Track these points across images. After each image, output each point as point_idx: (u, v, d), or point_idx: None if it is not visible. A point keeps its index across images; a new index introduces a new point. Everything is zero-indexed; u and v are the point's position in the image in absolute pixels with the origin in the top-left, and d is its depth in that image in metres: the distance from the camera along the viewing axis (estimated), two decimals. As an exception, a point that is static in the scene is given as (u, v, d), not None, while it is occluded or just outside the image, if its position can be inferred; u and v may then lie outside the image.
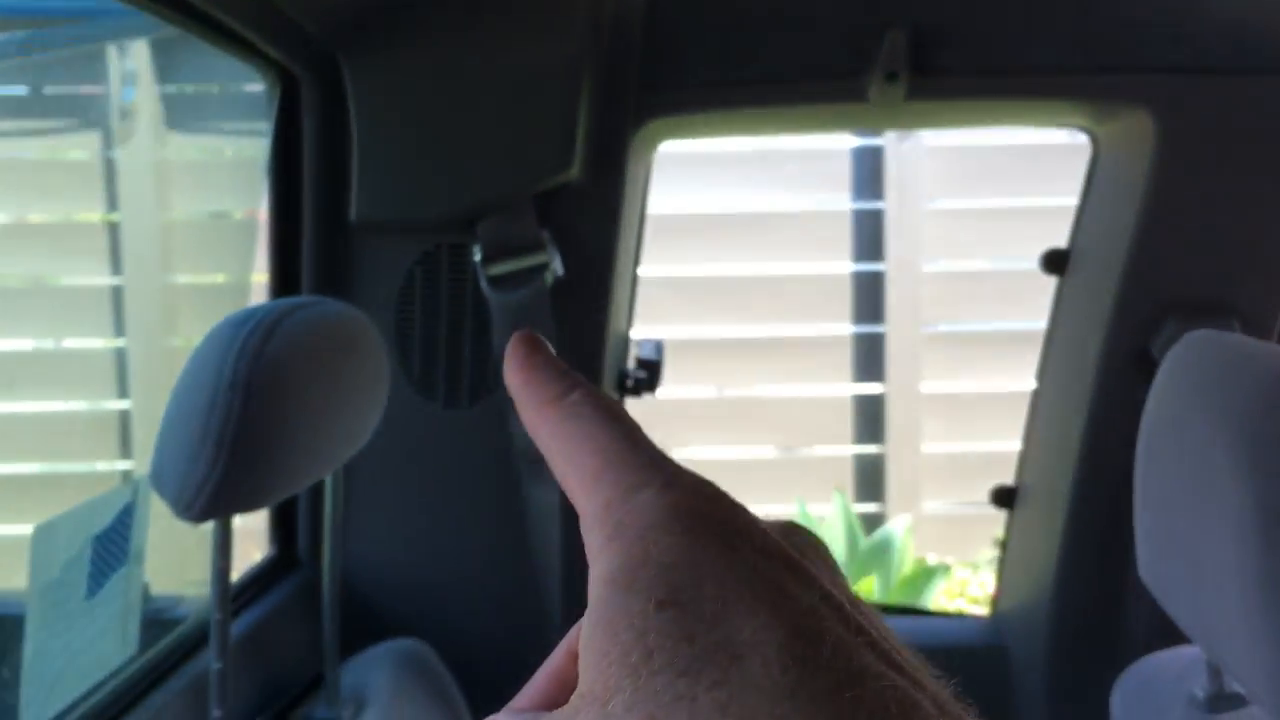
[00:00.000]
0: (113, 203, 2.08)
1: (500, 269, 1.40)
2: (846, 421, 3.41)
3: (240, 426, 0.93)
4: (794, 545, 0.30)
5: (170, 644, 1.20)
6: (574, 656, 0.28)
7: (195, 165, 2.22)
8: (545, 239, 1.40)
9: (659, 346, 1.61)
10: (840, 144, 3.35)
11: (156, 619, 1.27)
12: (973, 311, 3.38)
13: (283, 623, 1.37)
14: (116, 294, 2.13)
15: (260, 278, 1.52)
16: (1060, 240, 1.59)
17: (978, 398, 3.36)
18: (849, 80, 1.38)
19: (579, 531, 0.30)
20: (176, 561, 1.62)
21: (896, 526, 3.15)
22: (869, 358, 3.38)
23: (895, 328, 3.33)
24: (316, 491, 1.41)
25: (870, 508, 3.42)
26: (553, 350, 0.33)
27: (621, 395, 1.60)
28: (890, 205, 3.29)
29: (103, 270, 2.12)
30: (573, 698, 0.27)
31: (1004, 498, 1.72)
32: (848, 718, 0.24)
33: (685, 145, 3.21)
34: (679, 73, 1.42)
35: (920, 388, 3.36)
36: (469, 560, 1.53)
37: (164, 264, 2.11)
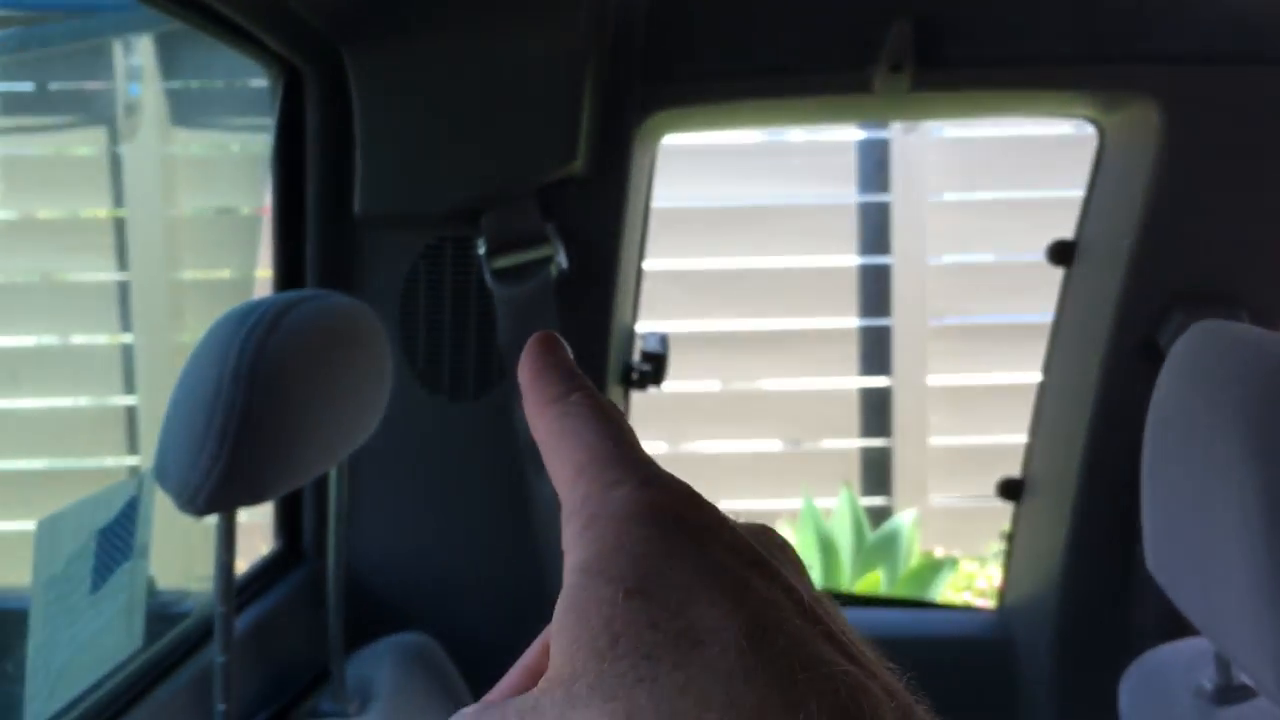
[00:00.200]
0: (119, 198, 2.09)
1: (505, 262, 1.40)
2: (853, 415, 3.41)
3: (244, 419, 0.93)
4: (762, 545, 0.31)
5: (175, 638, 1.20)
6: (547, 651, 0.29)
7: (201, 161, 2.22)
8: (550, 232, 1.40)
9: (664, 340, 1.60)
10: (846, 137, 3.35)
11: (162, 613, 1.27)
12: (979, 304, 3.37)
13: (288, 617, 1.37)
14: (123, 289, 2.13)
15: (266, 273, 1.52)
16: (1066, 232, 1.58)
17: (984, 390, 3.35)
18: (854, 72, 1.38)
19: None
20: (182, 556, 1.62)
21: (903, 519, 3.15)
22: (875, 351, 3.37)
23: (901, 320, 3.32)
24: (321, 485, 1.41)
25: (877, 501, 3.42)
26: (570, 353, 0.35)
27: (626, 389, 1.60)
28: (896, 198, 3.28)
29: (109, 266, 2.12)
30: (540, 681, 0.28)
31: (1010, 490, 1.71)
32: (799, 698, 0.25)
33: (690, 138, 3.21)
34: (683, 65, 1.41)
35: (927, 380, 3.35)
36: (474, 554, 1.53)
37: (170, 259, 2.11)
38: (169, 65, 1.95)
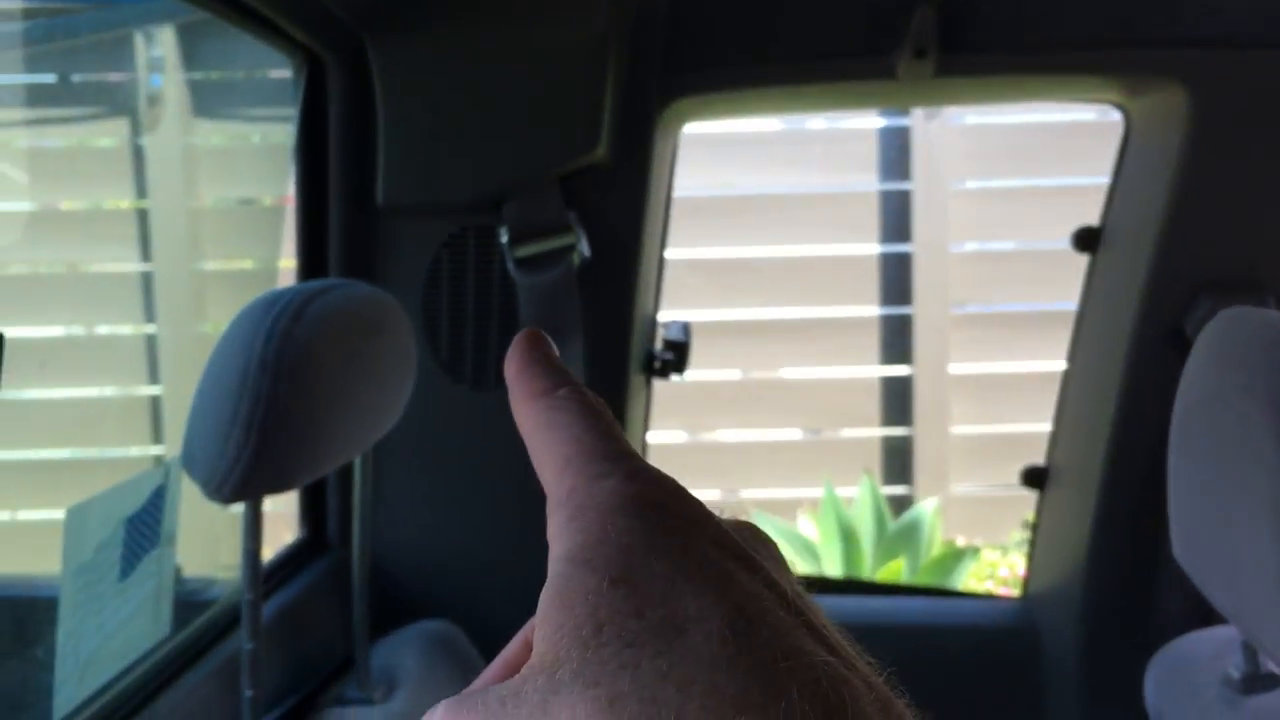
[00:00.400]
0: (142, 190, 2.09)
1: (527, 251, 1.40)
2: (874, 403, 3.40)
3: (270, 408, 0.94)
4: (746, 540, 0.31)
5: (202, 625, 1.21)
6: (528, 646, 0.30)
7: (223, 151, 2.23)
8: (572, 220, 1.40)
9: (686, 328, 1.60)
10: (867, 124, 3.33)
11: (189, 600, 1.28)
12: (1000, 292, 3.36)
13: (313, 605, 1.38)
14: (146, 280, 2.14)
15: (288, 263, 1.52)
16: (1088, 219, 1.57)
17: (1006, 379, 3.34)
18: (877, 58, 1.37)
19: None
20: (209, 544, 1.63)
21: (925, 508, 3.14)
22: (896, 339, 3.36)
23: (923, 309, 3.31)
24: (346, 474, 1.42)
25: (898, 490, 3.41)
26: (556, 351, 0.36)
27: (649, 377, 1.60)
28: (917, 186, 3.27)
29: (133, 257, 2.13)
30: (523, 668, 0.28)
31: (1035, 478, 1.70)
32: (779, 687, 0.26)
33: (711, 127, 3.20)
34: (704, 52, 1.41)
35: (948, 369, 3.34)
36: (498, 541, 1.53)
37: (193, 250, 2.12)
38: (191, 56, 1.96)
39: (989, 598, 2.39)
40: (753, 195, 3.33)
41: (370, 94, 1.37)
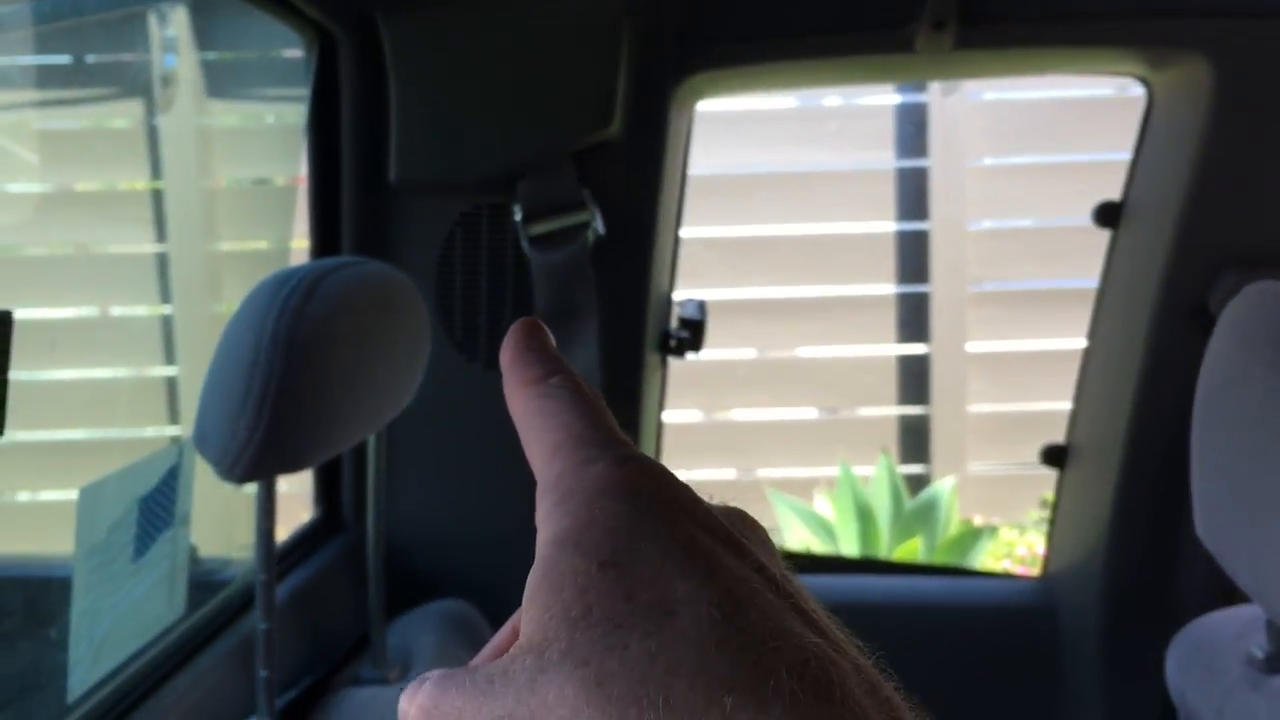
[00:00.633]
0: (156, 170, 2.09)
1: (541, 228, 1.39)
2: (891, 382, 3.39)
3: (282, 387, 0.93)
4: (735, 526, 0.32)
5: (217, 605, 1.21)
6: (516, 634, 0.30)
7: (237, 131, 2.23)
8: (586, 197, 1.39)
9: (702, 306, 1.59)
10: (883, 101, 3.31)
11: (204, 581, 1.28)
12: (1018, 270, 3.34)
13: (329, 584, 1.37)
14: (161, 261, 2.14)
15: (302, 244, 1.51)
16: (1107, 195, 1.55)
17: (1023, 357, 3.32)
18: (895, 30, 1.35)
19: None
20: (225, 524, 1.63)
21: (942, 487, 3.13)
22: (913, 318, 3.34)
23: (940, 287, 3.29)
24: (360, 453, 1.41)
25: (915, 469, 3.40)
26: (552, 339, 0.36)
27: (664, 355, 1.59)
28: (934, 163, 3.25)
29: (148, 238, 2.13)
30: (511, 649, 0.28)
31: (1055, 456, 1.69)
32: (768, 668, 0.26)
33: (726, 104, 3.18)
34: (720, 26, 1.39)
35: (965, 347, 3.32)
36: (513, 520, 1.53)
37: (208, 230, 2.11)
38: (204, 36, 1.95)
39: (1007, 577, 2.38)
40: (768, 173, 3.31)
41: (382, 70, 1.35)
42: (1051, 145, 3.24)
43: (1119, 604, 1.55)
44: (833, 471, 3.17)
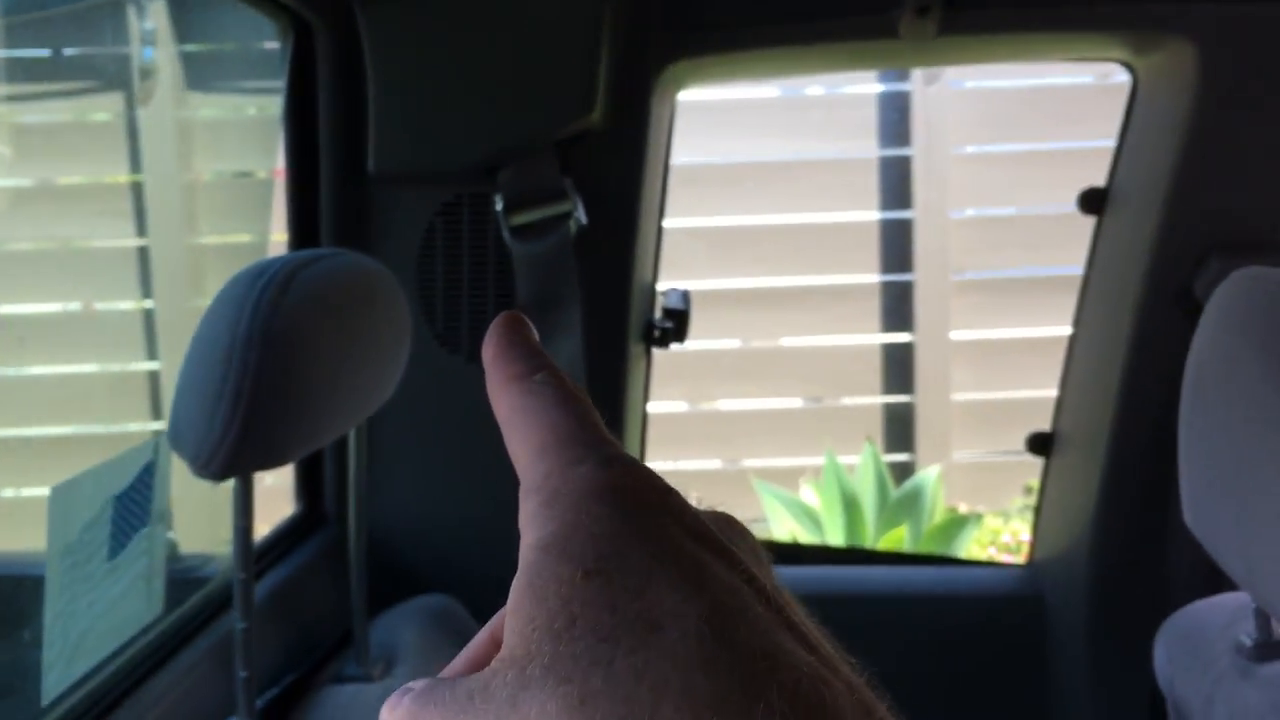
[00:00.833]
0: (136, 164, 2.07)
1: (523, 218, 1.37)
2: (875, 371, 3.39)
3: (258, 381, 0.91)
4: (723, 533, 0.30)
5: (197, 604, 1.19)
6: (495, 640, 0.29)
7: (217, 124, 2.20)
8: (568, 187, 1.37)
9: (686, 296, 1.58)
10: (866, 89, 3.30)
11: (185, 579, 1.26)
12: (1001, 258, 3.34)
13: (310, 580, 1.36)
14: (142, 255, 2.12)
15: (282, 237, 1.50)
16: (1090, 183, 1.55)
17: (1007, 345, 3.32)
18: (879, 16, 1.34)
19: None
20: (206, 520, 1.62)
21: (927, 475, 3.13)
22: (897, 306, 3.34)
23: (924, 275, 3.29)
24: (341, 447, 1.40)
25: (900, 457, 3.40)
26: (535, 334, 0.35)
27: (648, 346, 1.58)
28: (917, 151, 3.25)
29: (128, 232, 2.11)
30: (494, 660, 0.28)
31: (1040, 444, 1.68)
32: (759, 689, 0.25)
33: (709, 94, 3.17)
34: (702, 12, 1.38)
35: (949, 335, 3.33)
36: (497, 514, 1.51)
37: (189, 224, 2.09)
38: (182, 28, 1.93)
39: (993, 565, 2.38)
40: (751, 162, 3.30)
41: (359, 59, 1.34)
42: (1034, 133, 3.24)
43: (1105, 592, 1.55)
44: (818, 461, 3.17)
